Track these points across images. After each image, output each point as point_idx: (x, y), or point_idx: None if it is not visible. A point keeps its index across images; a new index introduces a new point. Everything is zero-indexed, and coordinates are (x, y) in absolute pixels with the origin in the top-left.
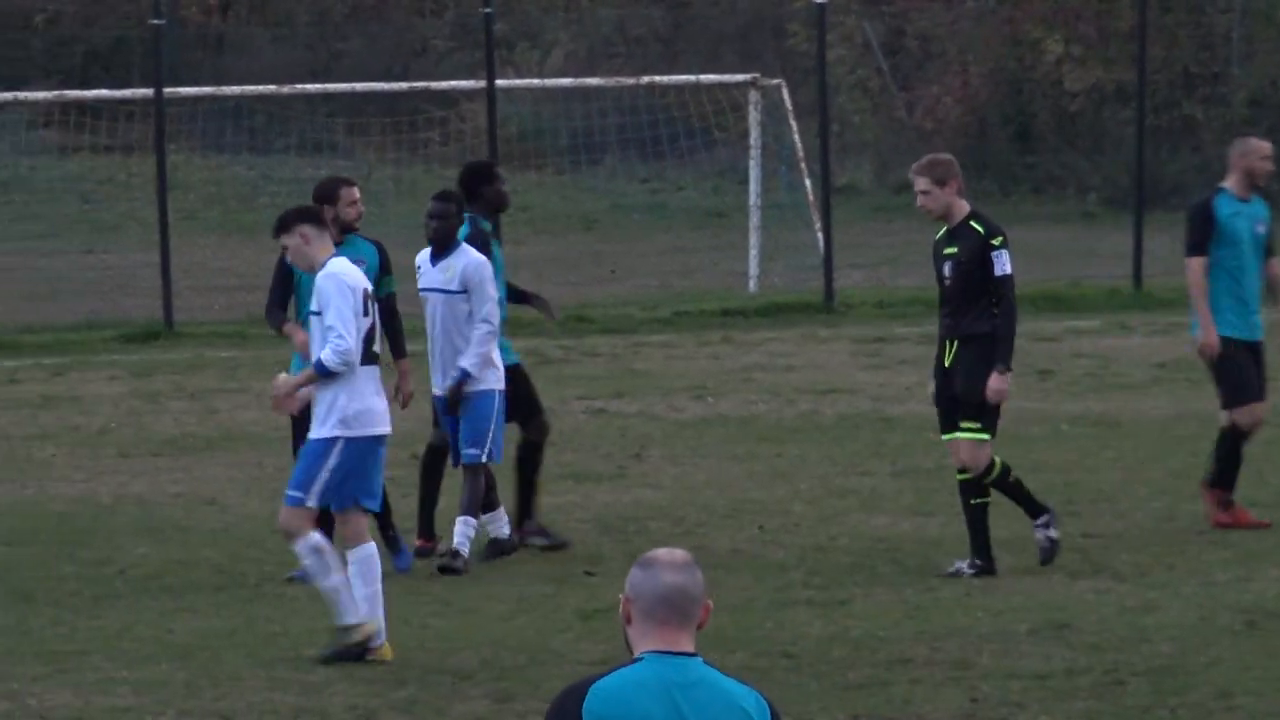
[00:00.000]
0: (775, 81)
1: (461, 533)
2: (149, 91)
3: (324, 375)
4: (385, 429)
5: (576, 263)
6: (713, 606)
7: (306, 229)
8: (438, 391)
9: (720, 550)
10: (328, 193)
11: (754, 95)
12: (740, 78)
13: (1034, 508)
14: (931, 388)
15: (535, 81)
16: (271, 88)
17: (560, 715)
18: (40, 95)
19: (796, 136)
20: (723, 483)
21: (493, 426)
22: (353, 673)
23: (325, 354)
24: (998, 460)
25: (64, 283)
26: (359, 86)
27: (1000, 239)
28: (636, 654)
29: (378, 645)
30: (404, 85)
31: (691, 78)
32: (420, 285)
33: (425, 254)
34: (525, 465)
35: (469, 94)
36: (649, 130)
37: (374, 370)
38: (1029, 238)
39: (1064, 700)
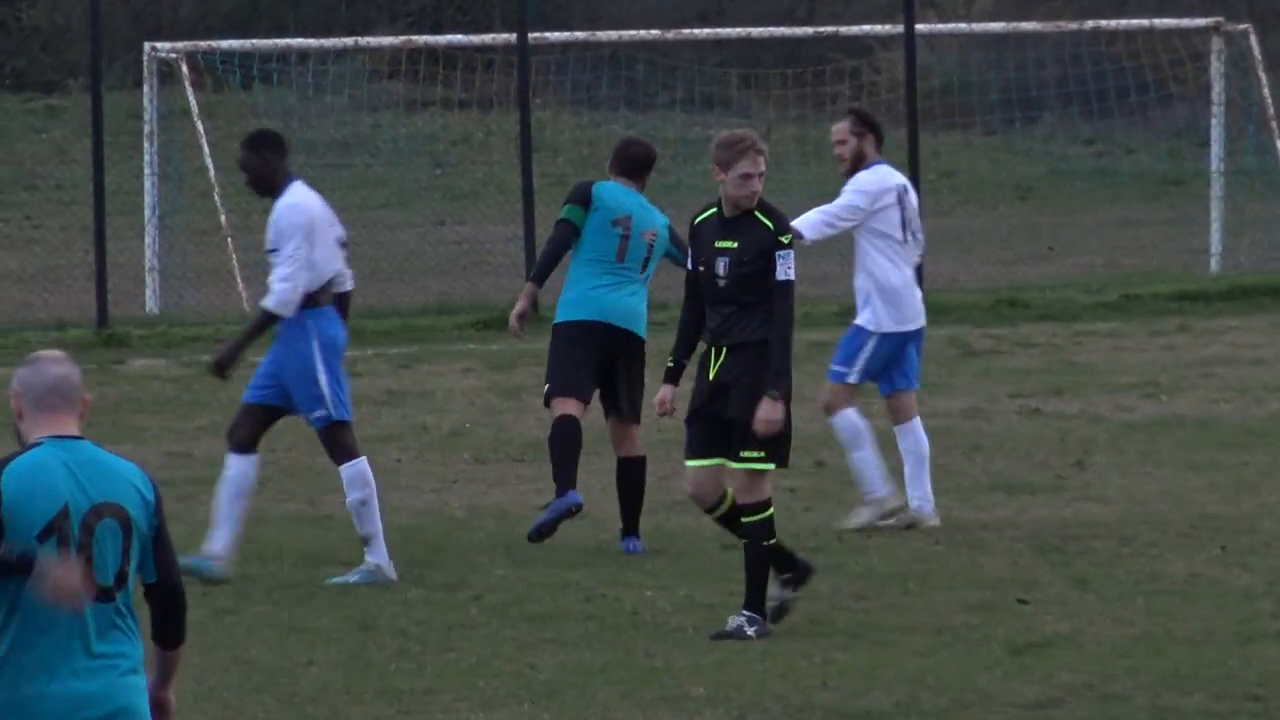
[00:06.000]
0: (1242, 26)
1: None
2: (511, 37)
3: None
4: None
5: (1009, 238)
6: (91, 400)
7: None
8: None
9: (1176, 575)
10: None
11: (1217, 43)
12: (1201, 22)
13: (790, 566)
14: (669, 401)
15: (962, 26)
16: (654, 33)
17: None
18: (386, 41)
19: (1266, 91)
20: (1179, 495)
21: None
22: (745, 715)
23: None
24: (771, 511)
25: (412, 260)
26: (755, 32)
27: (789, 236)
28: (32, 441)
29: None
30: (809, 30)
31: (1144, 22)
32: None
33: None
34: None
35: (884, 40)
36: (1094, 84)
37: None
38: None
39: None
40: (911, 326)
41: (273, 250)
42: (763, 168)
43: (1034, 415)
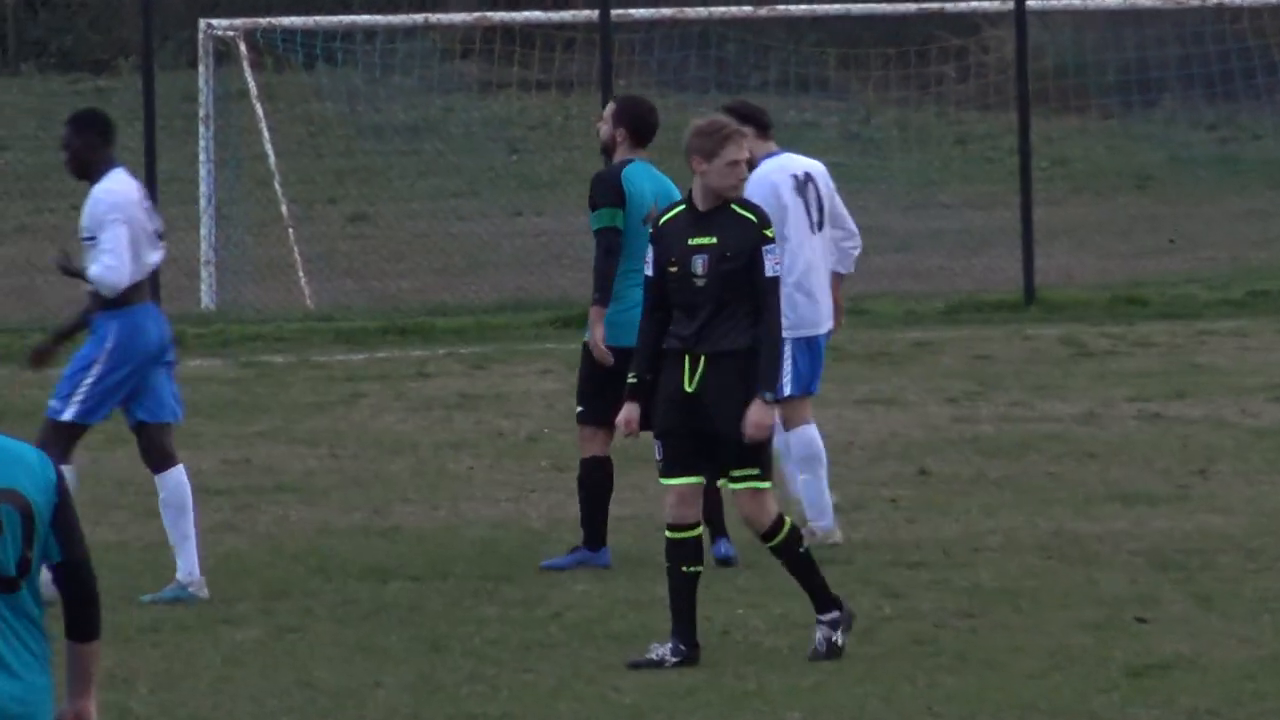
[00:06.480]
0: None
1: None
2: (593, 14)
3: None
4: None
5: (1127, 230)
6: None
7: None
8: None
9: None
10: None
11: None
12: None
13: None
14: (636, 421)
15: (1076, 2)
16: (746, 9)
17: None
18: (459, 18)
19: None
20: None
21: None
22: None
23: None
24: (788, 518)
25: (486, 253)
26: (855, 8)
27: (773, 230)
28: None
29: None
30: (912, 6)
31: None
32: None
33: None
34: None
35: (993, 17)
36: (1218, 64)
37: None
38: None
39: None
40: (809, 332)
41: (89, 238)
42: (747, 154)
43: (1154, 420)
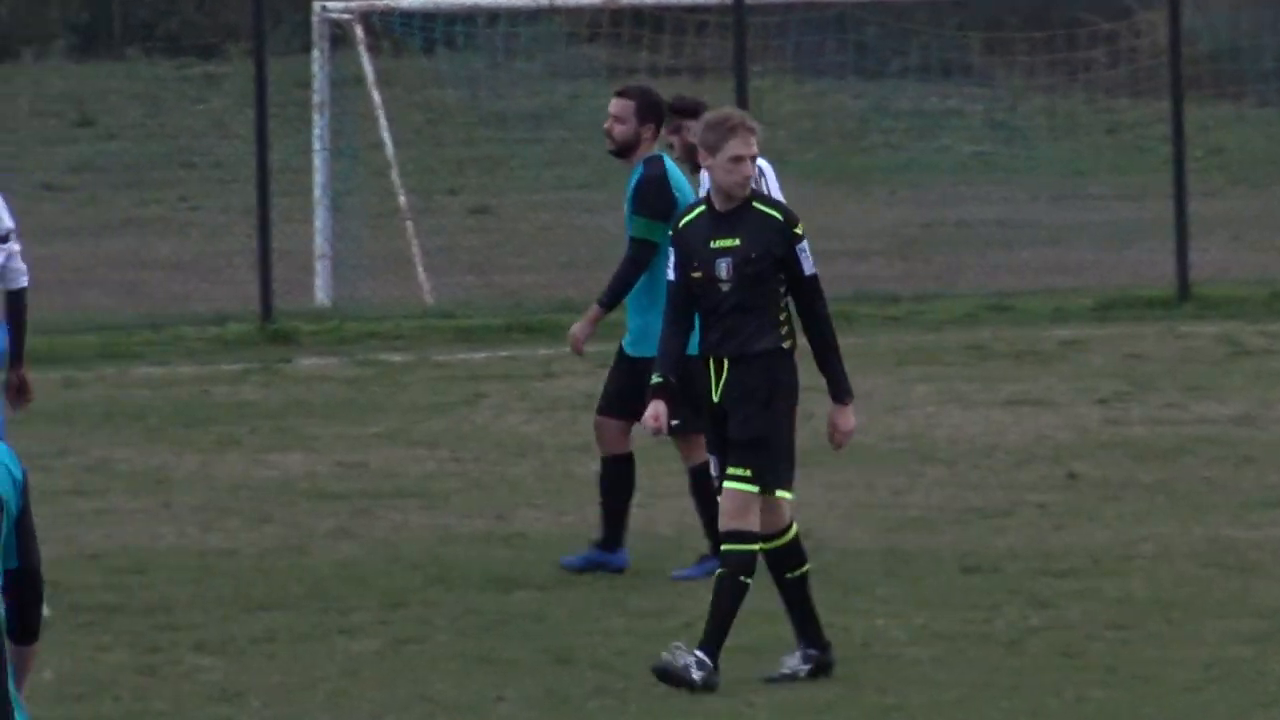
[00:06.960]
0: None
1: None
2: None
3: None
4: None
5: None
6: None
7: None
8: None
9: None
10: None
11: None
12: None
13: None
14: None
15: None
16: None
17: None
18: (586, 1)
19: None
20: None
21: None
22: None
23: None
24: (793, 526)
25: (614, 247)
26: None
27: (801, 225)
28: None
29: None
30: None
31: None
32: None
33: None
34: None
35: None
36: None
37: None
38: None
39: None
40: None
41: None
42: (755, 149)
43: None
